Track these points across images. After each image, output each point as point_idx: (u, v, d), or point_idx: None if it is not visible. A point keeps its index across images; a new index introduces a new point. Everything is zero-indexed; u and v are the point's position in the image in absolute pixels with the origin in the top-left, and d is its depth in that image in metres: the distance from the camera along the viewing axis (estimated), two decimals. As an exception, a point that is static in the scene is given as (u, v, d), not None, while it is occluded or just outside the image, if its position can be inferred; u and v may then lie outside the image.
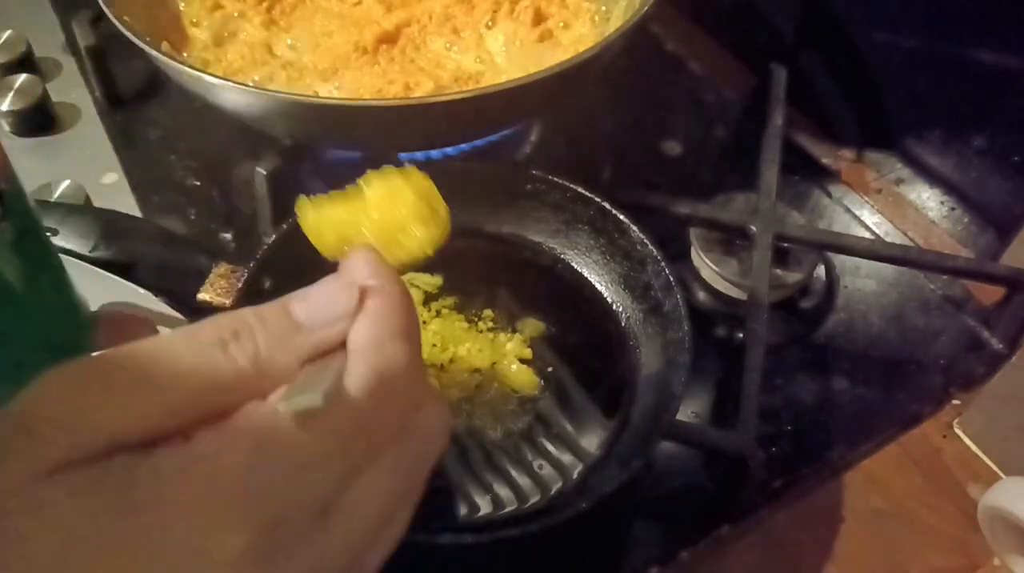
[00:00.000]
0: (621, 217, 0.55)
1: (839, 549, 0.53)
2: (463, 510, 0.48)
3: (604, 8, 0.70)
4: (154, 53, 0.55)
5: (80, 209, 0.57)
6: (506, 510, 0.48)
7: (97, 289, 0.61)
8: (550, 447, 0.50)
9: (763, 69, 0.72)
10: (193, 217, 0.67)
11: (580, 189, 0.57)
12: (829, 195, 0.71)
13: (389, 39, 0.66)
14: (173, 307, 0.55)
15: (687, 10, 0.84)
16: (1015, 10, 0.61)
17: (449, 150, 0.63)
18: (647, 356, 0.53)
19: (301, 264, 0.56)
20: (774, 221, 0.61)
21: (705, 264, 0.63)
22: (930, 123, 0.70)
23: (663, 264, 0.53)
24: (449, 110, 0.53)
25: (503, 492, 0.49)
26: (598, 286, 0.58)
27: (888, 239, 0.69)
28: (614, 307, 0.56)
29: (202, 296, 0.53)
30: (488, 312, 0.56)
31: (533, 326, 0.55)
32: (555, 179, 0.57)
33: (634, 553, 0.52)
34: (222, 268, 0.54)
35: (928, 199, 0.71)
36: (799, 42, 0.77)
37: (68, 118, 0.74)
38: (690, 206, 0.62)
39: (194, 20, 0.68)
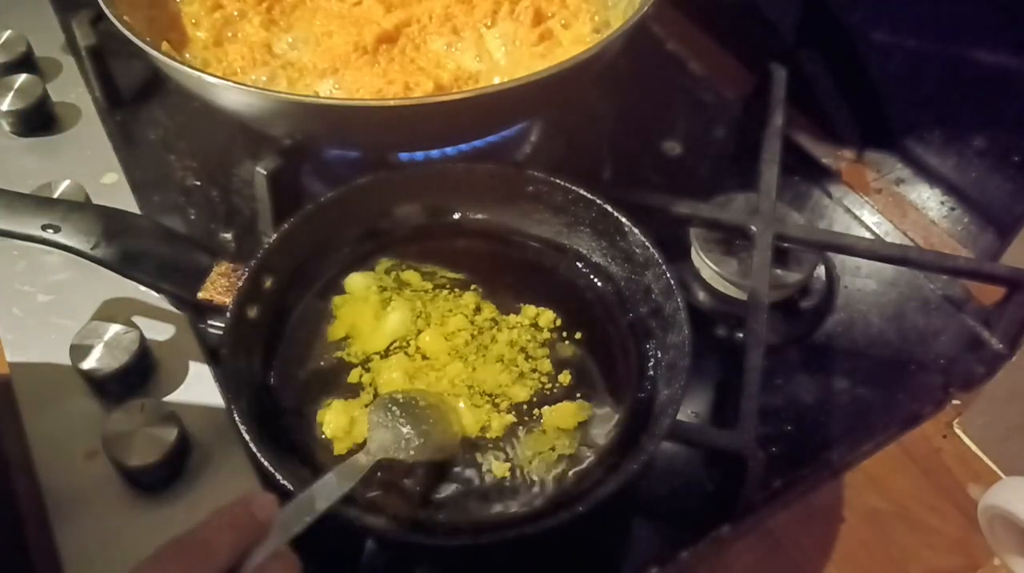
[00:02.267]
0: (623, 220, 0.55)
1: (839, 549, 0.53)
2: (463, 512, 0.48)
3: (604, 8, 0.70)
4: (154, 53, 0.55)
5: (81, 206, 0.57)
6: (508, 512, 0.48)
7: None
8: (553, 448, 0.50)
9: (763, 69, 0.72)
10: (193, 217, 0.67)
11: (582, 191, 0.57)
12: (829, 195, 0.71)
13: (389, 39, 0.66)
14: (174, 305, 0.55)
15: (687, 10, 0.84)
16: (1015, 10, 0.61)
17: (449, 150, 0.63)
18: (648, 358, 0.53)
19: (301, 263, 0.56)
20: (774, 221, 0.61)
21: (705, 264, 0.63)
22: (930, 123, 0.70)
23: (664, 267, 0.53)
24: (449, 110, 0.53)
25: (505, 494, 0.49)
26: (599, 288, 0.58)
27: (888, 239, 0.69)
28: (615, 309, 0.56)
29: (203, 294, 0.53)
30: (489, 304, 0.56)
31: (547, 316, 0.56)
32: (557, 181, 0.57)
33: (634, 553, 0.52)
34: (223, 267, 0.54)
35: (928, 199, 0.71)
36: (799, 42, 0.77)
37: (68, 118, 0.74)
38: (690, 206, 0.62)
39: (194, 20, 0.68)
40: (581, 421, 0.51)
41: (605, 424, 0.51)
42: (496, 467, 0.49)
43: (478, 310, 0.56)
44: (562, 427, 0.51)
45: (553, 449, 0.50)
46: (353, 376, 0.53)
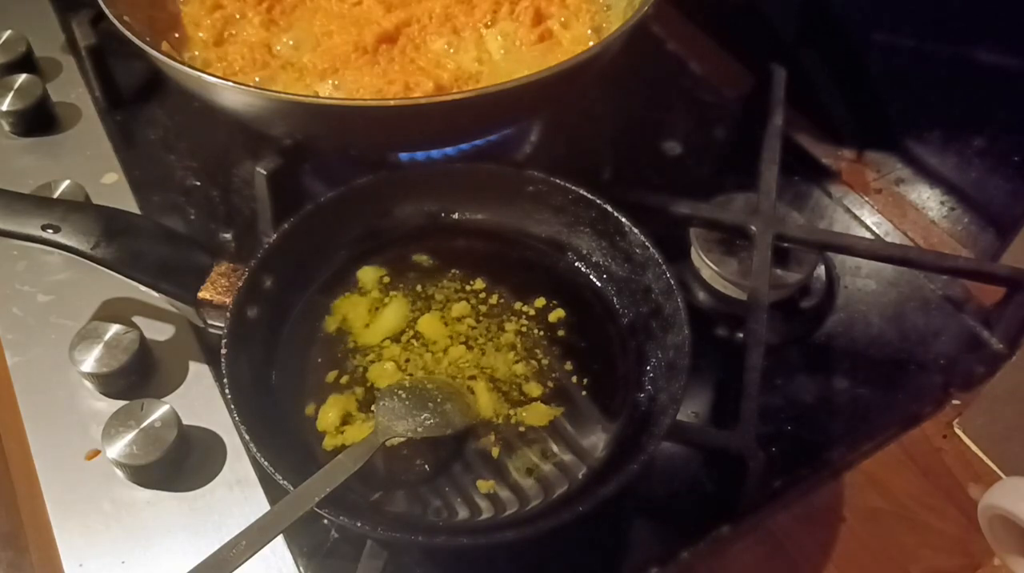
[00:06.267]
0: (623, 220, 0.55)
1: (839, 549, 0.53)
2: (465, 513, 0.48)
3: (604, 8, 0.70)
4: (154, 53, 0.55)
5: (81, 206, 0.57)
6: (508, 513, 0.48)
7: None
8: (553, 448, 0.50)
9: (763, 69, 0.72)
10: (193, 217, 0.67)
11: (582, 191, 0.57)
12: (829, 195, 0.71)
13: (389, 39, 0.66)
14: (174, 305, 0.55)
15: (687, 10, 0.84)
16: (1015, 10, 0.61)
17: (449, 150, 0.63)
18: (648, 358, 0.53)
19: (301, 263, 0.56)
20: (774, 221, 0.61)
21: (705, 264, 0.63)
22: (930, 123, 0.70)
23: (664, 267, 0.53)
24: (449, 110, 0.53)
25: (505, 494, 0.49)
26: (599, 288, 0.58)
27: (888, 239, 0.69)
28: (615, 309, 0.56)
29: (203, 294, 0.53)
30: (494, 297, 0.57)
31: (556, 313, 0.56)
32: (557, 181, 0.57)
33: (634, 553, 0.52)
34: (223, 266, 0.54)
35: (928, 199, 0.71)
36: (799, 42, 0.77)
37: (68, 118, 0.74)
38: (690, 206, 0.62)
39: (194, 20, 0.68)
40: (552, 418, 0.51)
41: (605, 424, 0.51)
42: (496, 467, 0.50)
43: (486, 297, 0.56)
44: (533, 424, 0.51)
45: (552, 449, 0.50)
46: (350, 372, 0.53)
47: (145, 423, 0.52)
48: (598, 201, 0.56)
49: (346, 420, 0.51)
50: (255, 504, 0.52)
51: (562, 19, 0.69)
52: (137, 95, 0.76)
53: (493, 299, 0.56)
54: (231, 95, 0.55)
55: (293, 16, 0.69)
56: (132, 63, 0.76)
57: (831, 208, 0.71)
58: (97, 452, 0.54)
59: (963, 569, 0.53)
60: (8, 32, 0.77)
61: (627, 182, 0.70)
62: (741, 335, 0.58)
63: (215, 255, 0.55)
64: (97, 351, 0.56)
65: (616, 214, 0.56)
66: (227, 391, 0.47)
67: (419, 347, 0.54)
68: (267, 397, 0.51)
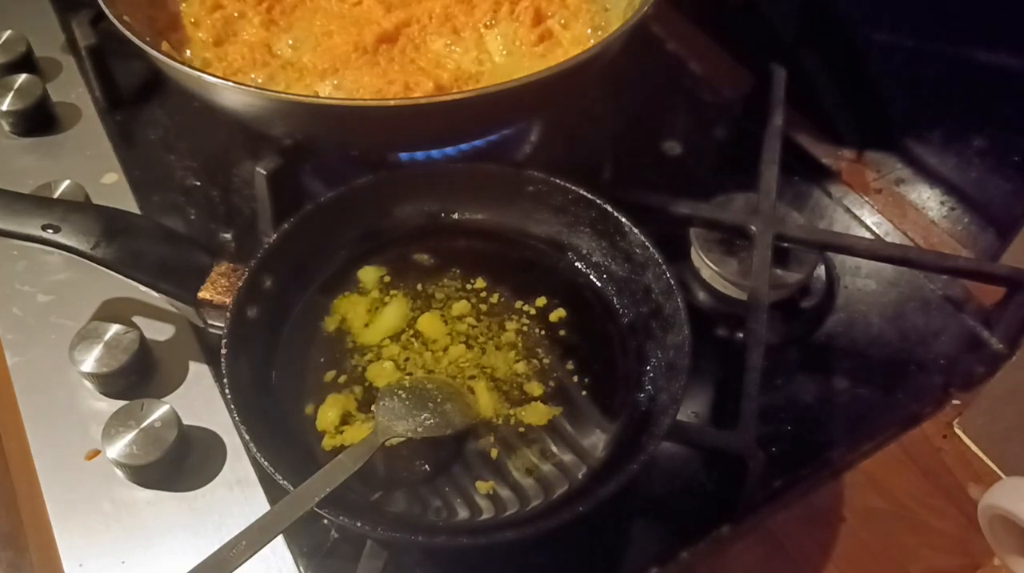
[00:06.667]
0: (623, 220, 0.55)
1: (839, 549, 0.53)
2: (465, 513, 0.48)
3: (604, 8, 0.70)
4: (154, 53, 0.55)
5: (81, 206, 0.57)
6: (508, 513, 0.48)
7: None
8: (553, 448, 0.50)
9: (763, 69, 0.72)
10: (193, 217, 0.67)
11: (582, 191, 0.57)
12: (829, 195, 0.71)
13: (389, 39, 0.66)
14: (173, 305, 0.55)
15: (687, 10, 0.84)
16: (1015, 10, 0.61)
17: (449, 150, 0.63)
18: (648, 358, 0.53)
19: (301, 263, 0.56)
20: (774, 221, 0.61)
21: (705, 264, 0.63)
22: (930, 123, 0.70)
23: (664, 267, 0.53)
24: (449, 110, 0.53)
25: (505, 494, 0.49)
26: (599, 288, 0.58)
27: (888, 239, 0.69)
28: (615, 309, 0.56)
29: (203, 294, 0.53)
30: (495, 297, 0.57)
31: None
32: (557, 181, 0.57)
33: (634, 553, 0.52)
34: (223, 266, 0.54)
35: (928, 199, 0.71)
36: (799, 42, 0.77)
37: (68, 118, 0.74)
38: (690, 206, 0.62)
39: (194, 20, 0.68)
40: (552, 418, 0.51)
41: (605, 424, 0.51)
42: (497, 466, 0.50)
43: (487, 296, 0.56)
44: (532, 424, 0.51)
45: (552, 449, 0.50)
46: (348, 371, 0.53)
47: (145, 423, 0.52)
48: (598, 201, 0.56)
49: (345, 420, 0.51)
50: (255, 504, 0.52)
51: (562, 19, 0.69)
52: (137, 95, 0.76)
53: (494, 298, 0.57)
54: (231, 95, 0.55)
55: (293, 16, 0.69)
56: (132, 63, 0.76)
57: (831, 208, 0.71)
58: (97, 452, 0.54)
59: (963, 569, 0.53)
60: (8, 32, 0.77)
61: (627, 182, 0.70)
62: (741, 335, 0.58)
63: (215, 255, 0.55)
64: (97, 351, 0.56)
65: (616, 214, 0.56)
66: (227, 391, 0.47)
67: (419, 346, 0.54)
68: (267, 397, 0.51)
